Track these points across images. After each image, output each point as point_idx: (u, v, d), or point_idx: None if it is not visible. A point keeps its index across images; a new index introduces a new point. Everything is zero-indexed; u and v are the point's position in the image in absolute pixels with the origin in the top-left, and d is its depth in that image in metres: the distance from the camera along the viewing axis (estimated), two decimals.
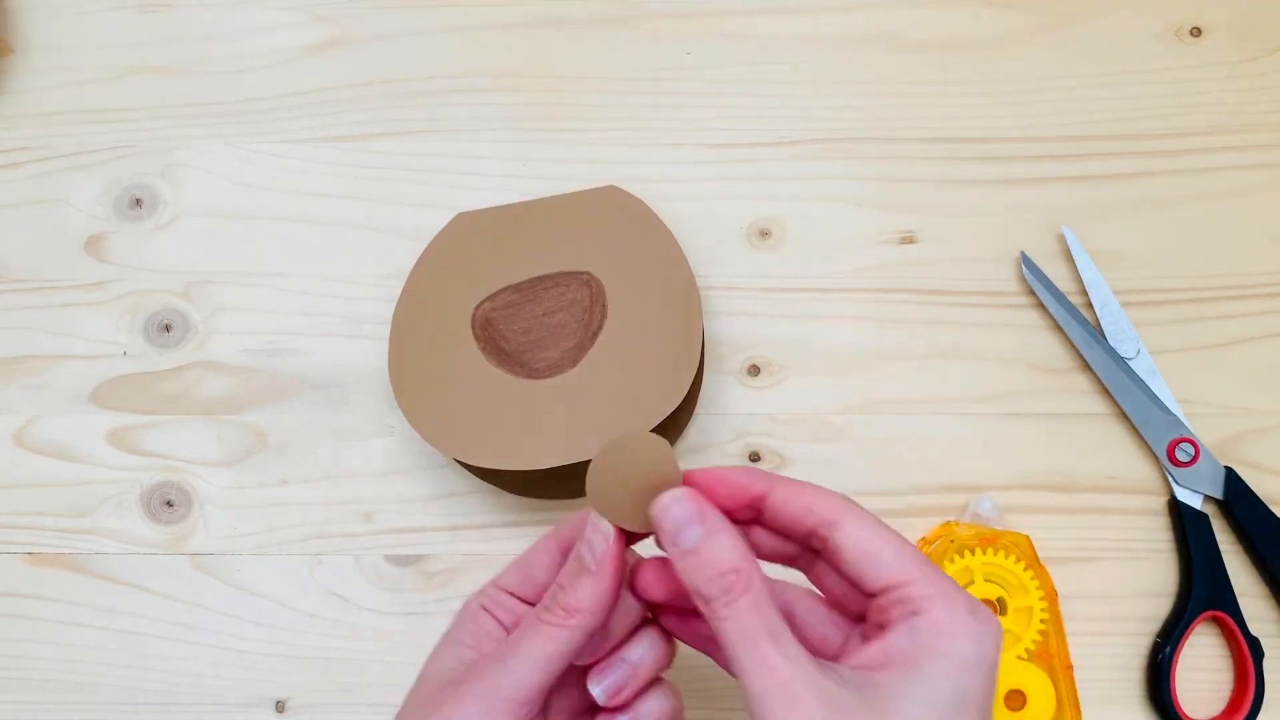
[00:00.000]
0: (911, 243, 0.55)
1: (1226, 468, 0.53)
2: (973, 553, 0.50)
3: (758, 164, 0.56)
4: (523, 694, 0.37)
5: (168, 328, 0.56)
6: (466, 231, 0.54)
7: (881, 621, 0.36)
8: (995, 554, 0.50)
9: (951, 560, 0.50)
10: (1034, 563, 0.51)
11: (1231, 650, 0.53)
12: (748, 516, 0.39)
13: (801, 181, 0.56)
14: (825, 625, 0.39)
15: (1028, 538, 0.51)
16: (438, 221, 0.54)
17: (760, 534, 0.39)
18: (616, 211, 0.53)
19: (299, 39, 0.58)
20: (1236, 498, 0.52)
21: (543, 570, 0.40)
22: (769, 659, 0.34)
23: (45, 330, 0.56)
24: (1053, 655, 0.50)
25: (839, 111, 0.56)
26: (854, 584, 0.37)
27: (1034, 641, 0.50)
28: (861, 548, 0.36)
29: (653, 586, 0.39)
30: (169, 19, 0.58)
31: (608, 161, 0.56)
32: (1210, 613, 0.52)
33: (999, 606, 0.50)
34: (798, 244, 0.55)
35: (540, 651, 0.37)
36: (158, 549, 0.54)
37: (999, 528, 0.51)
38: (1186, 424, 0.53)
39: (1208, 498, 0.53)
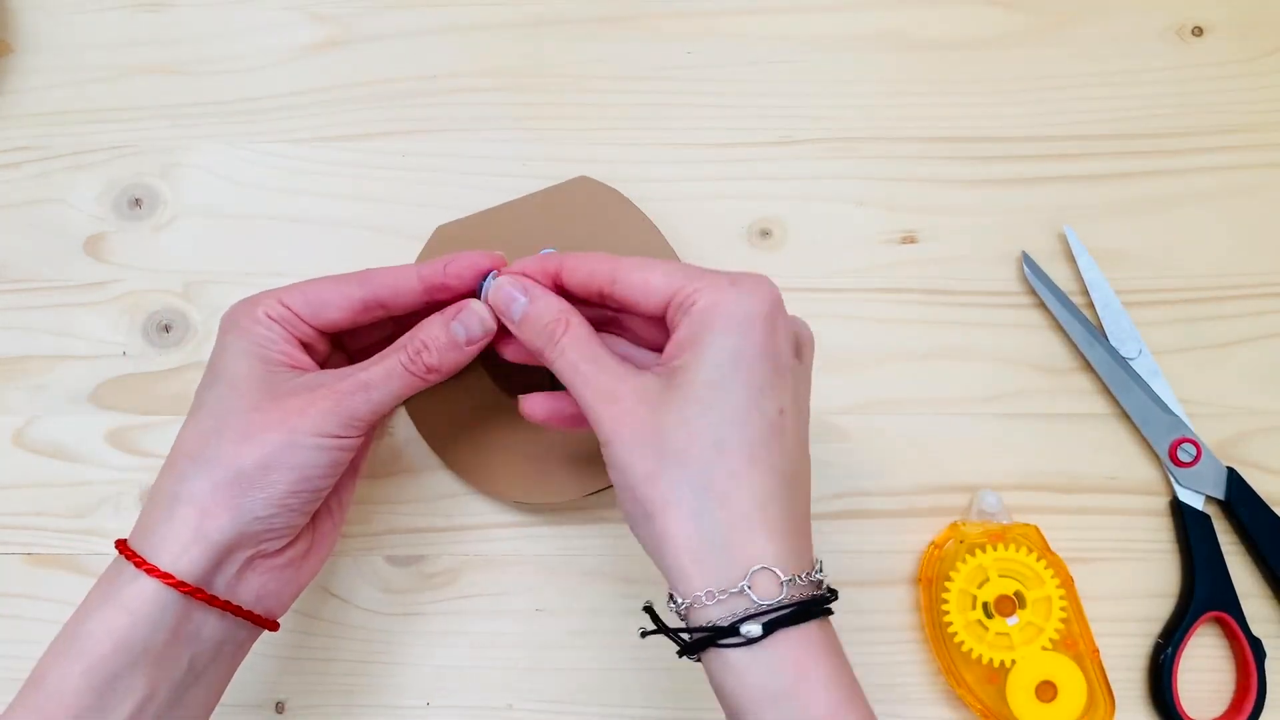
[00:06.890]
0: (913, 242, 0.55)
1: (1228, 468, 0.53)
2: (984, 550, 0.50)
3: (758, 164, 0.56)
4: (370, 417, 0.44)
5: (167, 328, 0.56)
6: (448, 246, 0.53)
7: (673, 327, 0.42)
8: (1006, 549, 0.50)
9: (964, 560, 0.50)
10: (1045, 551, 0.50)
11: (1233, 651, 0.52)
12: (554, 286, 0.45)
13: (802, 181, 0.56)
14: (645, 357, 0.45)
15: (1036, 527, 0.51)
16: (438, 221, 0.54)
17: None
18: (592, 205, 0.53)
19: (299, 39, 0.57)
20: (1238, 498, 0.52)
21: (337, 310, 0.45)
22: (590, 375, 0.42)
23: (45, 330, 0.56)
24: (1078, 640, 0.50)
25: (840, 111, 0.56)
26: (650, 316, 0.43)
27: (1057, 630, 0.50)
28: (636, 283, 0.42)
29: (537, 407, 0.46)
30: (169, 19, 0.58)
31: (608, 161, 0.56)
32: (1212, 613, 0.51)
33: (1018, 601, 0.50)
34: (798, 244, 0.55)
35: (397, 390, 0.45)
36: None
37: (1005, 521, 0.51)
38: (1188, 424, 0.53)
39: (1209, 498, 0.53)
